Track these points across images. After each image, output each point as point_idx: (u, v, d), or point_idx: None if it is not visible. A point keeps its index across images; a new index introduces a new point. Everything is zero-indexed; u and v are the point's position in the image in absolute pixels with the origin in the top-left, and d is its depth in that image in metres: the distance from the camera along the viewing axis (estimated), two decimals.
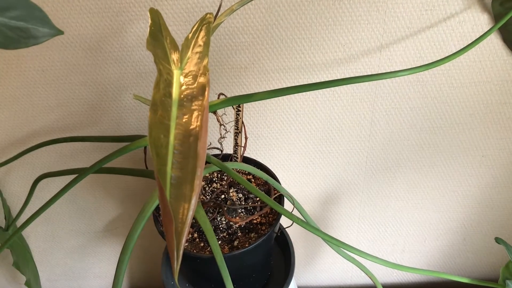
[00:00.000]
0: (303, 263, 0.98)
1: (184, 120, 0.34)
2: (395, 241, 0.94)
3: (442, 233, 0.92)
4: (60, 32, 0.40)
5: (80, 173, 0.58)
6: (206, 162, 0.66)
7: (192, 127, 0.34)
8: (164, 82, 0.34)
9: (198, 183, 0.32)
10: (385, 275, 1.01)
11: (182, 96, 0.35)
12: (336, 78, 0.64)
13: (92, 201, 0.86)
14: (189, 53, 0.36)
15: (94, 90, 0.71)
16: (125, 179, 0.82)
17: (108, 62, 0.68)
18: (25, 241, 0.79)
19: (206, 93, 0.34)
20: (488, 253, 0.95)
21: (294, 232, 0.91)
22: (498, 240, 0.63)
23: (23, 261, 0.77)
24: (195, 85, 0.35)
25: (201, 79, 0.35)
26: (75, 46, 0.66)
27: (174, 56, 0.36)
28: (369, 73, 0.69)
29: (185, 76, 0.35)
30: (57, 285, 1.00)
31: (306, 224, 0.52)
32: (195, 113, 0.34)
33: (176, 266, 0.31)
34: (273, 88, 0.71)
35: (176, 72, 0.36)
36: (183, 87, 0.35)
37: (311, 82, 0.52)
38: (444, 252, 0.96)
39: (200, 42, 0.36)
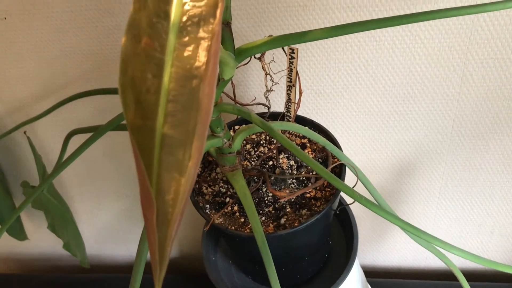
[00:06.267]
0: (370, 240, 0.86)
1: (186, 54, 0.23)
2: (483, 222, 0.79)
3: None
4: None
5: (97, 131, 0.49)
6: (246, 122, 0.55)
7: (197, 64, 0.23)
8: None
9: (199, 146, 0.21)
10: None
11: (185, 18, 0.23)
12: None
13: None
14: None
15: None
16: None
17: None
18: (64, 202, 0.74)
19: (218, 12, 0.23)
20: None
21: (359, 205, 0.78)
22: None
23: (61, 223, 0.72)
24: (205, 1, 0.23)
25: None
26: None
27: None
28: None
29: None
30: (105, 247, 0.96)
31: (372, 204, 0.40)
32: (203, 44, 0.23)
33: (159, 274, 0.20)
34: None
35: None
36: (188, 5, 0.24)
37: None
38: None
39: None
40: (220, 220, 0.48)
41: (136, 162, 0.20)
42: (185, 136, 0.22)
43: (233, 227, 0.47)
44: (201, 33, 0.23)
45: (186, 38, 0.23)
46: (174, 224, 0.21)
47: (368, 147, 0.71)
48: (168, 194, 0.21)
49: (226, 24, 0.38)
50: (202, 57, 0.23)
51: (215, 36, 0.22)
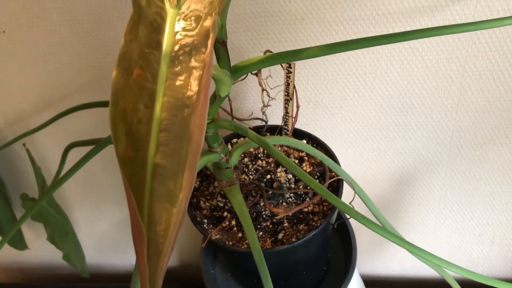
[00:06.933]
0: (370, 249, 0.86)
1: (178, 83, 0.23)
2: (483, 231, 0.79)
3: None
4: None
5: (97, 145, 0.49)
6: (241, 136, 0.55)
7: (189, 93, 0.23)
8: (148, 26, 0.23)
9: (190, 177, 0.22)
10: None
11: (177, 47, 0.24)
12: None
13: None
14: None
15: None
16: None
17: None
18: (64, 213, 0.74)
19: (209, 42, 0.23)
20: None
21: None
22: None
23: (60, 235, 0.72)
24: (197, 30, 0.23)
25: (206, 22, 0.24)
26: None
27: None
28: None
29: (184, 19, 0.24)
30: (105, 257, 0.96)
31: (369, 221, 0.40)
32: (195, 73, 0.23)
33: None
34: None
35: (172, 12, 0.24)
36: (180, 34, 0.24)
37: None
38: None
39: None
40: (218, 236, 0.48)
41: (127, 195, 0.20)
42: (177, 166, 0.22)
43: (230, 243, 0.47)
44: (193, 63, 0.23)
45: (178, 68, 0.23)
46: (165, 255, 0.21)
47: (367, 158, 0.71)
48: (160, 225, 0.21)
49: (222, 43, 0.38)
50: (194, 86, 0.23)
51: (206, 66, 0.23)
